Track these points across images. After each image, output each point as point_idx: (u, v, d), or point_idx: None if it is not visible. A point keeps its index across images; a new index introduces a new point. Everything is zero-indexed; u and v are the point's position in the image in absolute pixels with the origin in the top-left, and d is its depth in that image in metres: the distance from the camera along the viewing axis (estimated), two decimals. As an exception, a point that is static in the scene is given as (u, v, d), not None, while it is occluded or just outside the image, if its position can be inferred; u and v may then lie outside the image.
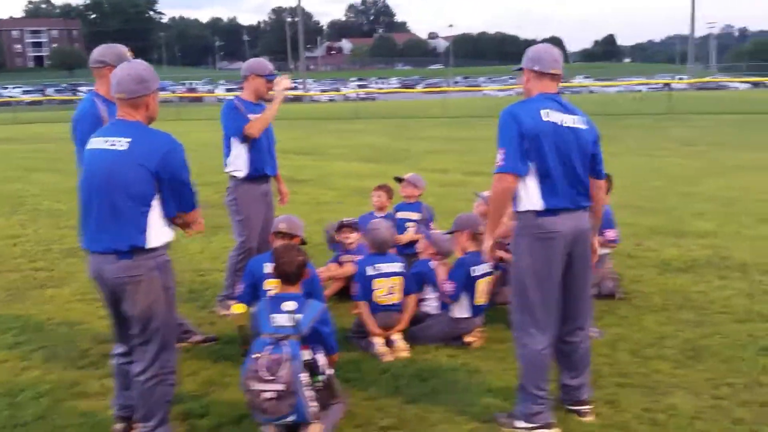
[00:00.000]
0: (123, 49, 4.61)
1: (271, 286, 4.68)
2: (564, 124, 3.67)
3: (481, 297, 5.13)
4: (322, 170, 14.94)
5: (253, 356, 3.71)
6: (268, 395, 3.62)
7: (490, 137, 18.56)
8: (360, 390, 4.42)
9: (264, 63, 5.74)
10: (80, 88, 73.45)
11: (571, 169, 3.68)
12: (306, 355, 3.76)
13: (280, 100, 5.58)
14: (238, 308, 3.93)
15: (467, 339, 5.08)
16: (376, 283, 5.08)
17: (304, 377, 3.70)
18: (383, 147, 20.03)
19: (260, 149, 5.70)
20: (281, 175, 6.12)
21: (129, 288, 3.42)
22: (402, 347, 5.03)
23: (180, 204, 3.48)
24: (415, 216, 6.66)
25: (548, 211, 3.65)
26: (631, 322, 5.54)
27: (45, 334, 5.51)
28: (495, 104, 46.25)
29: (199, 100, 59.69)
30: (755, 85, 61.50)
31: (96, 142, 3.45)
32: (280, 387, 3.62)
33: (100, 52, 4.58)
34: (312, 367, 3.79)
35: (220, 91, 64.70)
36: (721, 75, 78.82)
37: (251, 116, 5.53)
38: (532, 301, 3.75)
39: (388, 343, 5.08)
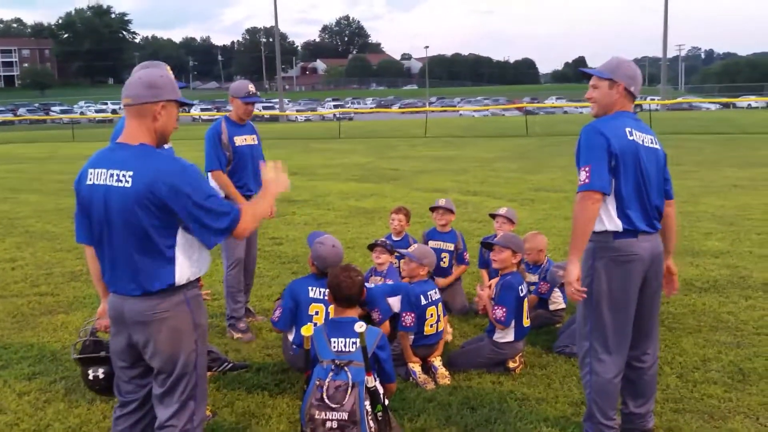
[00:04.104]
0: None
1: (316, 310, 4.52)
2: (645, 144, 3.57)
3: (527, 318, 4.99)
4: (316, 190, 14.74)
5: (316, 383, 3.54)
6: (331, 425, 3.47)
7: (476, 157, 18.71)
8: (410, 421, 4.23)
9: (242, 86, 5.86)
10: (53, 108, 72.66)
11: (649, 190, 3.57)
12: (370, 381, 3.59)
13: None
14: (306, 330, 3.72)
15: (511, 365, 4.92)
16: (428, 313, 4.89)
17: (367, 406, 3.54)
18: (371, 166, 19.90)
19: (242, 169, 5.81)
20: None
21: (154, 327, 2.98)
22: (443, 374, 4.86)
23: (213, 229, 2.94)
24: (450, 246, 6.50)
25: (627, 233, 3.53)
26: (669, 344, 5.43)
27: (63, 363, 5.24)
28: (472, 124, 46.77)
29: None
30: (725, 105, 62.81)
31: (98, 175, 2.96)
32: (344, 415, 3.47)
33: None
34: (374, 395, 3.61)
35: (194, 111, 64.23)
36: (691, 96, 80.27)
37: (236, 138, 5.77)
38: (606, 327, 3.61)
39: (427, 369, 4.92)
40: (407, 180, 16.39)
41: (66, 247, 9.38)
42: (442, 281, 6.29)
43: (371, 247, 5.77)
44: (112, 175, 2.91)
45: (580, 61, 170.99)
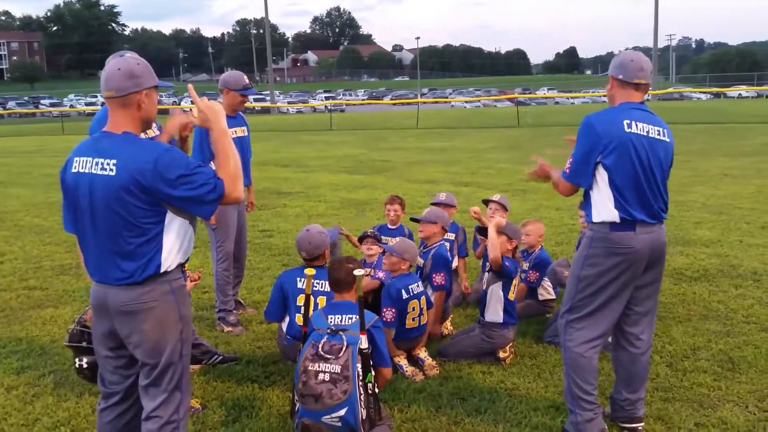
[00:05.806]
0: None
1: (303, 301, 4.51)
2: (649, 135, 3.57)
3: (512, 293, 4.99)
4: (307, 182, 14.70)
5: (312, 343, 3.73)
6: (323, 377, 3.61)
7: (468, 148, 18.68)
8: (400, 411, 4.23)
9: (238, 77, 5.83)
10: (42, 101, 72.19)
11: (653, 181, 3.58)
12: (363, 342, 3.68)
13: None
14: (309, 270, 4.10)
15: (501, 355, 4.92)
16: (409, 307, 4.88)
17: (359, 368, 3.66)
18: (363, 158, 19.86)
19: None
20: (252, 187, 6.30)
21: (140, 317, 2.95)
22: (431, 364, 4.86)
23: (205, 199, 2.91)
24: (451, 236, 6.50)
25: (624, 224, 3.54)
26: (659, 333, 5.43)
27: (51, 357, 5.21)
28: (464, 115, 46.73)
29: (165, 112, 58.82)
30: (716, 95, 62.99)
31: (83, 164, 2.93)
32: (337, 368, 3.61)
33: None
34: (365, 360, 3.69)
35: (185, 103, 63.98)
36: (681, 86, 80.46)
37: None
38: (591, 309, 3.67)
39: (414, 361, 4.91)
40: (399, 171, 16.37)
41: (55, 241, 9.33)
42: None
43: (361, 239, 5.76)
44: (97, 164, 2.90)
45: (572, 52, 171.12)
